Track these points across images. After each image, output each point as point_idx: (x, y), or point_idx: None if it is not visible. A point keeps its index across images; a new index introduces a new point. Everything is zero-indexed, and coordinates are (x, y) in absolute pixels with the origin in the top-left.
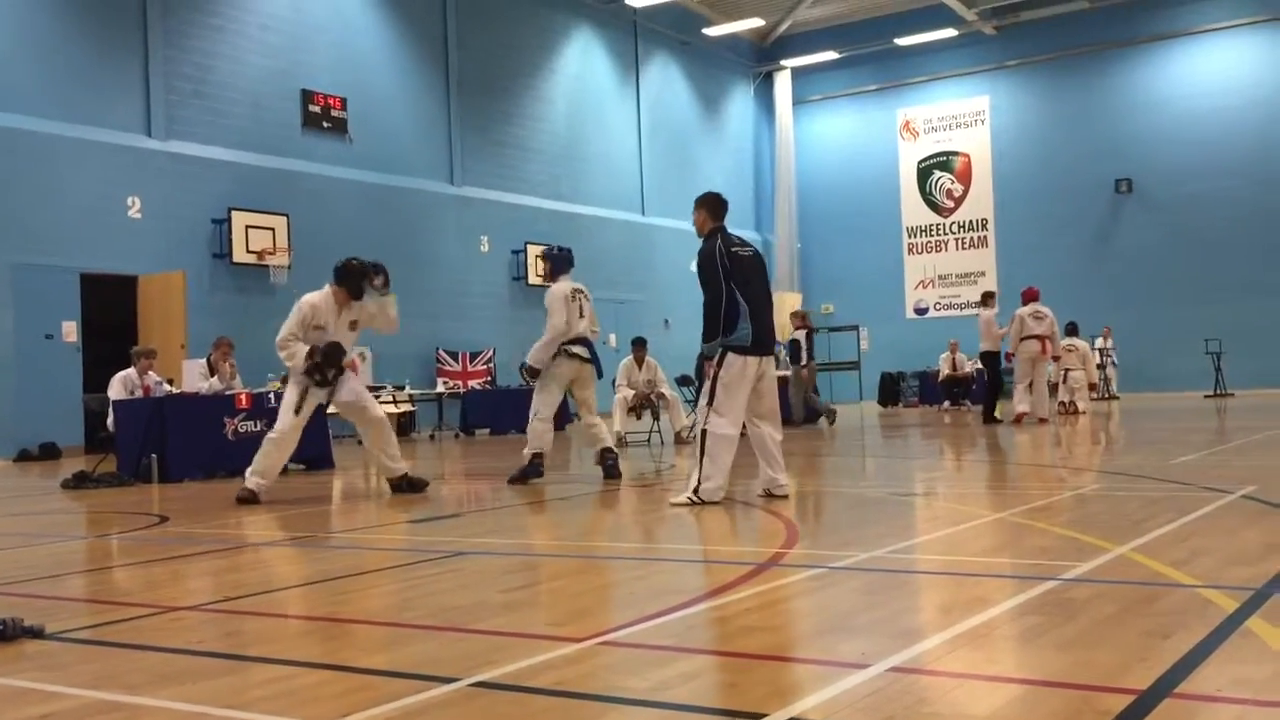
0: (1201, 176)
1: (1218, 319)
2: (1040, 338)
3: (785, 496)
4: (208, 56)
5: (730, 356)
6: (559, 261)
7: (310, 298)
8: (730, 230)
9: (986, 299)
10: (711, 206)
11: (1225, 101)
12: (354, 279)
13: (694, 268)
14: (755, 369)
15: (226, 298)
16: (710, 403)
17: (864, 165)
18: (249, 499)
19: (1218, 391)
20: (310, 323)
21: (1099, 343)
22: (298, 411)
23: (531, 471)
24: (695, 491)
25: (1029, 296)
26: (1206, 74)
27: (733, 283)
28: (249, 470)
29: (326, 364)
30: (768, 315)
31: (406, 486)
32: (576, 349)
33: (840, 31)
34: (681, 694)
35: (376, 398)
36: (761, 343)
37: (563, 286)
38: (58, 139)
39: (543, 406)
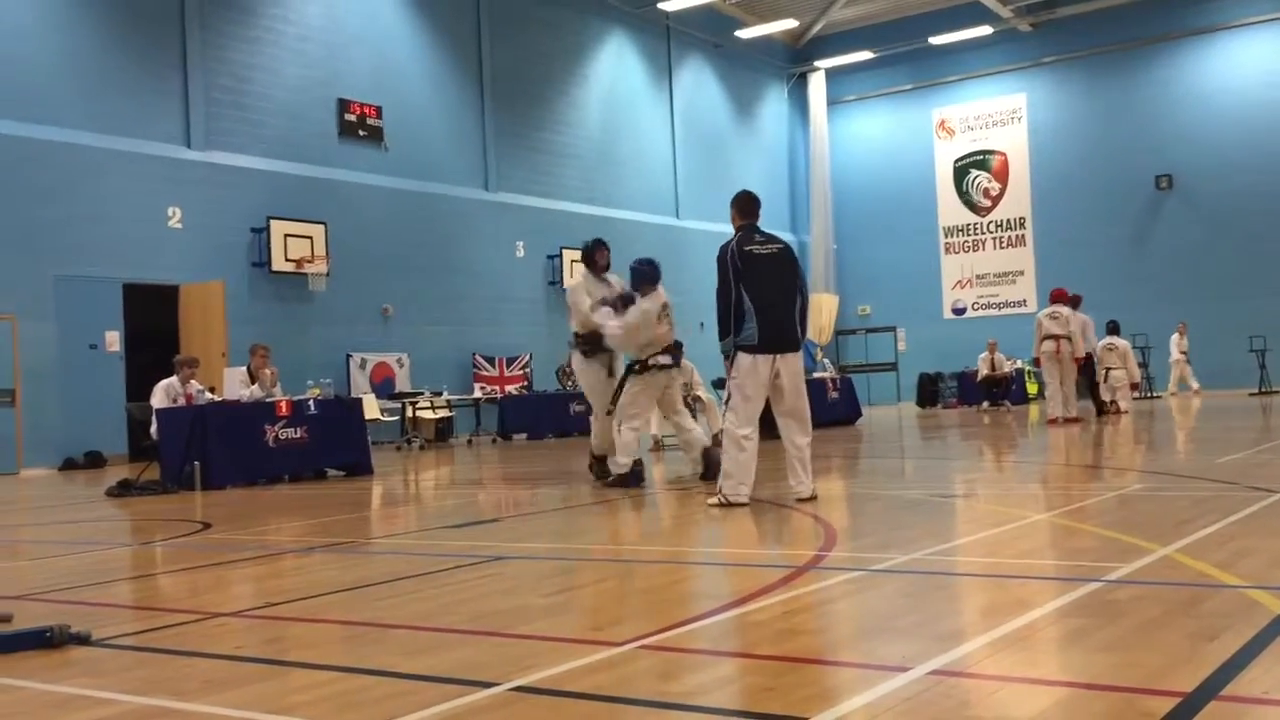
0: (1243, 172)
1: (1262, 315)
2: (1056, 338)
3: (810, 498)
4: (246, 68)
5: (740, 356)
6: (641, 278)
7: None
8: (764, 229)
9: (1074, 301)
10: (740, 205)
11: (1266, 95)
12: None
13: None
14: (768, 367)
15: (266, 306)
16: (728, 402)
17: (900, 165)
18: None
19: (1262, 389)
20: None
21: (1174, 339)
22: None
23: (633, 480)
24: (721, 491)
25: (1054, 298)
26: (1246, 68)
27: (741, 283)
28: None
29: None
30: (782, 313)
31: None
32: (662, 358)
33: (874, 31)
34: (719, 698)
35: (414, 403)
36: (771, 341)
37: (654, 304)
38: (99, 151)
39: (635, 416)
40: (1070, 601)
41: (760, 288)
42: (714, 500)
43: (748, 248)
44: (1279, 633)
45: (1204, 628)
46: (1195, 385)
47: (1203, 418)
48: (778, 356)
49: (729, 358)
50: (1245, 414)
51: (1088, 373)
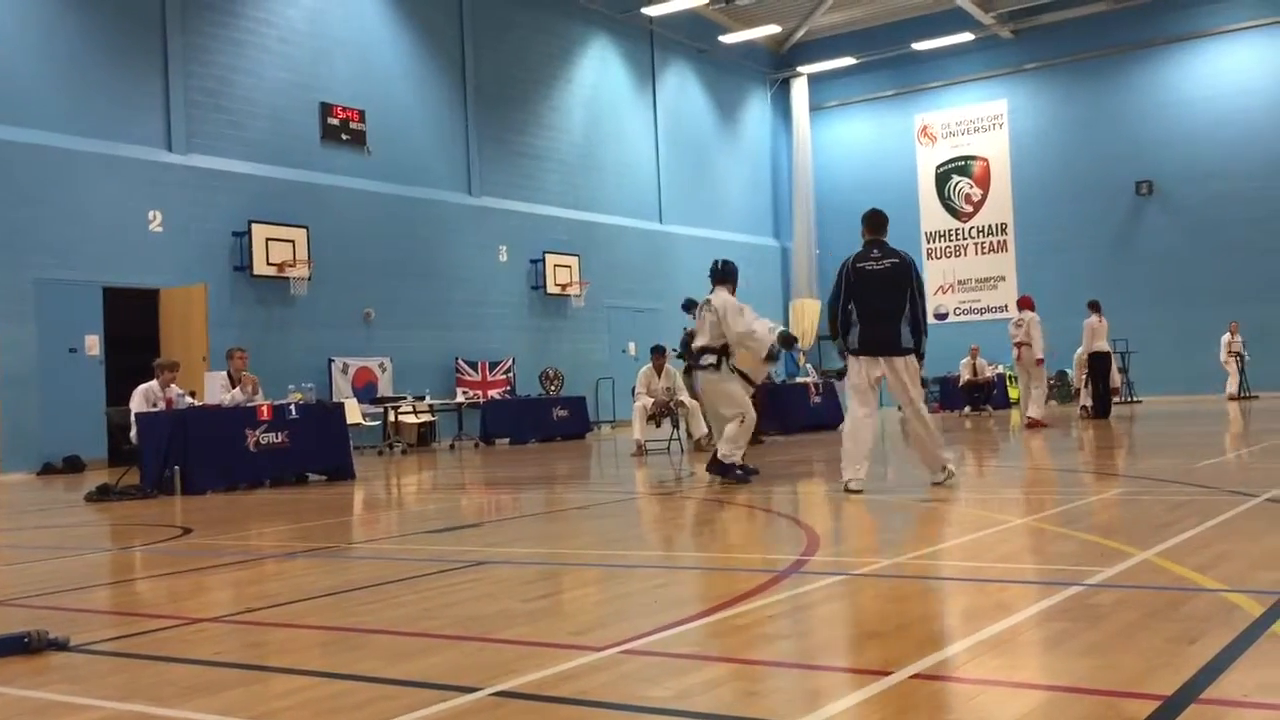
0: (1223, 178)
1: (1241, 321)
2: (1016, 345)
3: (943, 483)
4: (228, 70)
5: (849, 359)
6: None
7: (729, 297)
8: (887, 243)
9: (1022, 303)
10: (869, 221)
11: (1246, 102)
12: (736, 274)
13: None
14: (872, 368)
15: (247, 310)
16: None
17: (882, 170)
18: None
19: (1241, 394)
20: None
21: (1225, 338)
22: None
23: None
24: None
25: (1019, 305)
26: (1227, 75)
27: (852, 296)
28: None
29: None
30: (885, 321)
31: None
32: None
33: (857, 37)
34: (703, 702)
35: (396, 408)
36: (871, 345)
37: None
38: (79, 154)
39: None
40: (1051, 605)
41: (868, 300)
42: (842, 484)
43: (860, 264)
44: (1258, 636)
45: (1184, 631)
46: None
47: (1182, 422)
48: (882, 359)
49: (843, 355)
50: (1224, 418)
51: (1095, 373)
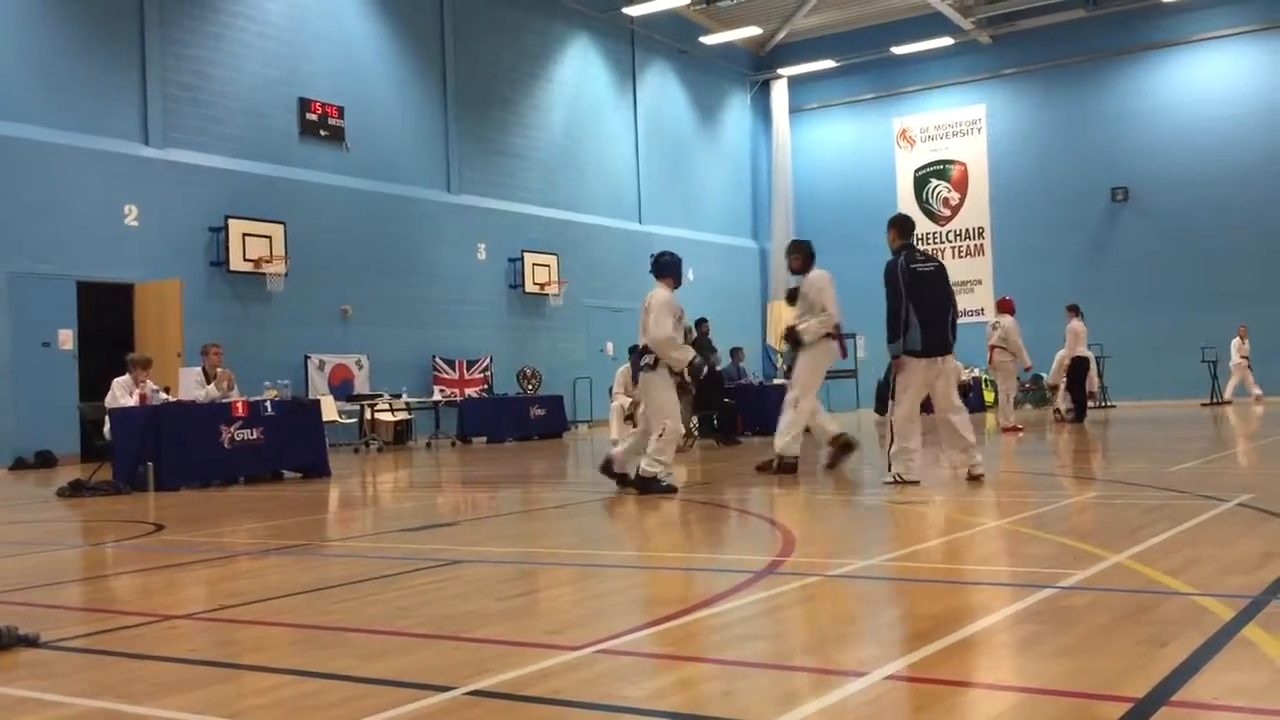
0: (1198, 185)
1: (1214, 327)
2: (991, 348)
3: (979, 476)
4: (205, 64)
5: (907, 359)
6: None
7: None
8: (914, 248)
9: (1000, 306)
10: (901, 226)
11: (1221, 110)
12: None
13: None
14: (931, 369)
15: (223, 306)
16: (893, 396)
17: (861, 173)
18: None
19: (1214, 400)
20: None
21: (1235, 343)
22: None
23: (669, 488)
24: (890, 470)
25: (999, 308)
26: (1203, 82)
27: (910, 297)
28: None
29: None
30: (940, 323)
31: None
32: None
33: (837, 40)
34: (678, 702)
35: (373, 406)
36: (931, 347)
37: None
38: (55, 147)
39: (666, 415)
40: (1024, 607)
41: (924, 301)
42: (888, 478)
43: (914, 266)
44: (1228, 640)
45: (1156, 634)
46: (1256, 391)
47: (1155, 427)
48: (938, 359)
49: (897, 359)
50: (1196, 424)
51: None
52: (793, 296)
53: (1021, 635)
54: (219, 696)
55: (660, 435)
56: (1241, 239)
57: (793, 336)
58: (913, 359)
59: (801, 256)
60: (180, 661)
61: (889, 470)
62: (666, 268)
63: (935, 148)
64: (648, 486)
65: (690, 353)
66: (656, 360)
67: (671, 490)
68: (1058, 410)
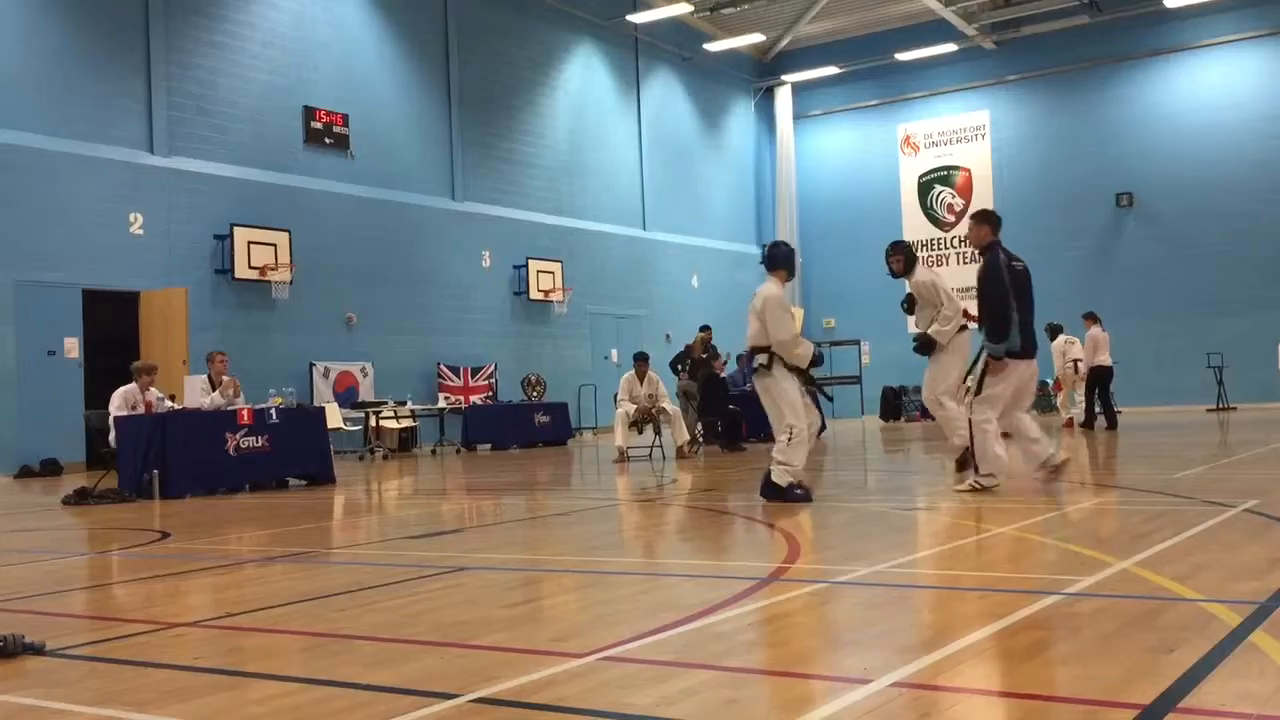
0: (1203, 191)
1: (1220, 333)
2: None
3: (1060, 466)
4: (210, 73)
5: (1006, 363)
6: (912, 257)
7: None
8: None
9: (1092, 318)
10: (993, 221)
11: (1226, 116)
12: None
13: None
14: (1028, 371)
15: (229, 313)
16: (978, 394)
17: (865, 180)
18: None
19: (1220, 405)
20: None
21: None
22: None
23: (807, 494)
24: (976, 479)
25: None
26: (1207, 88)
27: (1011, 295)
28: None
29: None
30: (1032, 323)
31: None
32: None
33: (841, 47)
34: (683, 710)
35: (377, 413)
36: (1029, 349)
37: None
38: (61, 156)
39: (793, 415)
40: (1030, 614)
41: (1021, 301)
42: (963, 486)
43: (1013, 264)
44: (1235, 646)
45: (1162, 641)
46: None
47: (1161, 433)
48: (1029, 362)
49: (999, 360)
50: (1203, 429)
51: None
52: (911, 303)
53: (1028, 642)
54: (224, 704)
55: (789, 439)
56: (1246, 245)
57: (927, 343)
58: (1014, 361)
59: (903, 258)
60: (186, 669)
61: (975, 473)
62: (779, 260)
63: (939, 154)
64: (780, 495)
65: (811, 345)
66: (771, 359)
67: (808, 498)
68: (1069, 420)
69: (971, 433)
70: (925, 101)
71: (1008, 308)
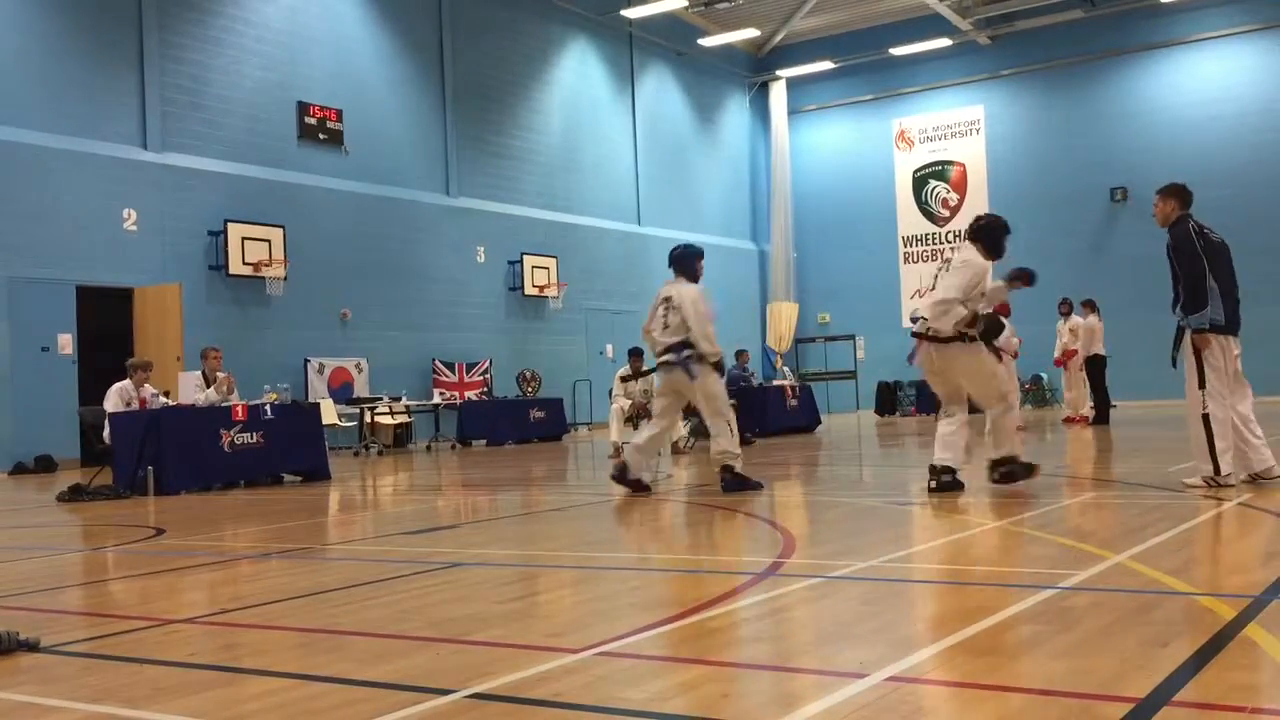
0: (1197, 185)
1: None
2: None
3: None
4: (204, 69)
5: (1209, 338)
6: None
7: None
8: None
9: (1090, 306)
10: (1182, 195)
11: (1220, 110)
12: (998, 234)
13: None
14: (1231, 348)
15: (223, 309)
16: (1202, 385)
17: (859, 175)
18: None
19: None
20: (978, 287)
21: None
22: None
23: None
24: (1215, 475)
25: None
26: (1201, 82)
27: (1210, 267)
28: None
29: (988, 335)
30: (1236, 298)
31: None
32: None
33: (835, 41)
34: (679, 704)
35: (372, 409)
36: (1234, 323)
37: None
38: (53, 151)
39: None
40: (1026, 608)
41: (1221, 272)
42: (1195, 480)
43: (1206, 232)
44: (1230, 639)
45: (1157, 634)
46: None
47: (1156, 428)
48: (1232, 338)
49: (1200, 331)
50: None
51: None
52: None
53: (1023, 636)
54: (220, 700)
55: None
56: (1241, 239)
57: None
58: (1216, 336)
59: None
60: (181, 665)
61: (1216, 473)
62: (686, 262)
63: (934, 149)
64: (742, 484)
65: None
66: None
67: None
68: (1074, 415)
69: (1207, 426)
70: (920, 96)
71: (1201, 274)
